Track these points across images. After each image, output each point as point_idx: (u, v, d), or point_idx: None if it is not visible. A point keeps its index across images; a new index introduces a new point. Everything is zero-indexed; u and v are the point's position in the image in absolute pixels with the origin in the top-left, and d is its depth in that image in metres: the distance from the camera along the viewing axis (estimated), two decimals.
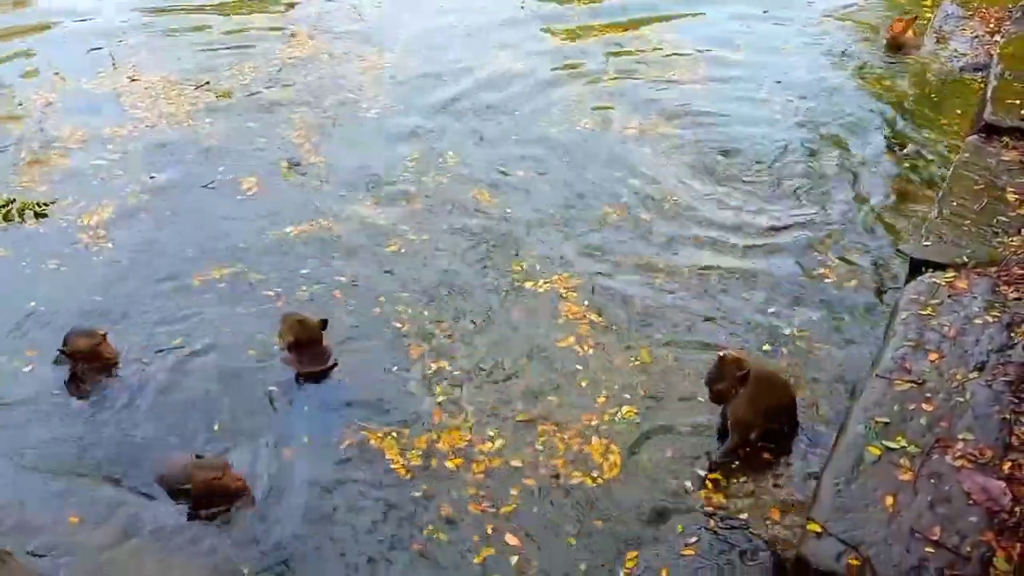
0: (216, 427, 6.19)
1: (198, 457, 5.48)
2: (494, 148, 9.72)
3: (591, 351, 6.81)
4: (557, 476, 5.78)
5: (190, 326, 7.10)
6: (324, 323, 6.64)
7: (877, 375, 5.74)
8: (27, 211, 8.26)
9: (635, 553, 5.19)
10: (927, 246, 6.95)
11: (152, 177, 9.17)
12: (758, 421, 5.84)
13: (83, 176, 9.17)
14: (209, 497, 5.41)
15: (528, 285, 7.54)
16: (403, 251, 7.97)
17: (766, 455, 5.88)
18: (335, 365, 6.66)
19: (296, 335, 6.53)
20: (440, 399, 6.37)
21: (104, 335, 6.61)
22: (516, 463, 5.87)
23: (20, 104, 10.62)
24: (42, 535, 5.37)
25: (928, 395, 5.49)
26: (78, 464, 5.93)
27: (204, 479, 5.35)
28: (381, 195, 8.82)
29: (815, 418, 6.13)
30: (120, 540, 5.35)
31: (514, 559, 5.24)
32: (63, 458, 5.97)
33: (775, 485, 5.68)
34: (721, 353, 5.87)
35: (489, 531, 5.41)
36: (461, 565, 5.24)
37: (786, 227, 8.29)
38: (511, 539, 5.36)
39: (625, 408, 6.28)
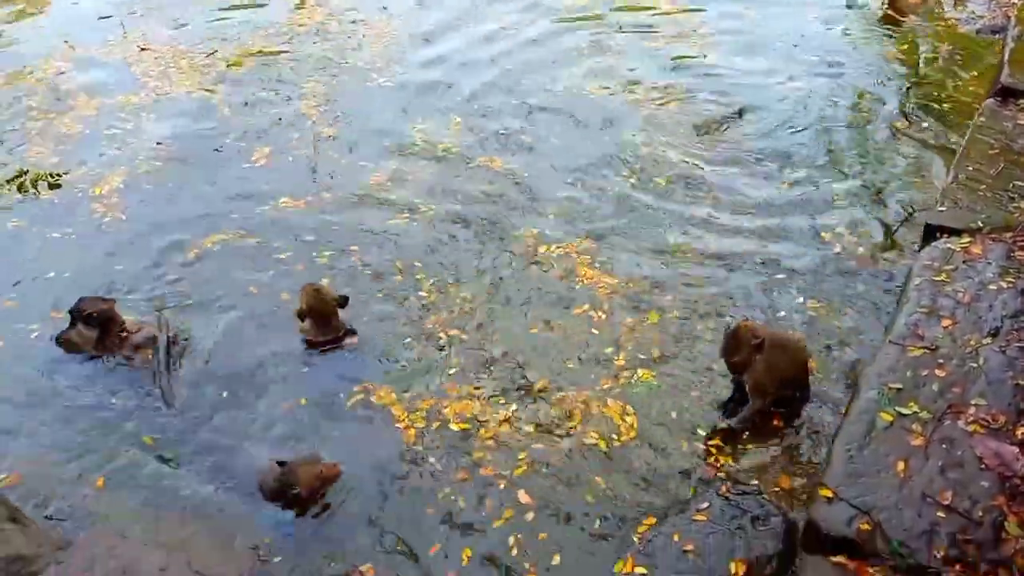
0: (225, 394, 6.27)
1: (280, 464, 5.36)
2: (503, 111, 9.67)
3: (605, 316, 6.82)
4: (571, 441, 5.83)
5: (202, 291, 7.16)
6: (344, 300, 6.64)
7: (890, 341, 5.73)
8: (41, 182, 8.37)
9: (650, 520, 5.21)
10: (942, 211, 6.90)
11: (159, 143, 9.18)
12: (775, 386, 5.86)
13: (95, 145, 9.18)
14: (317, 491, 5.38)
15: (541, 250, 7.54)
16: (414, 220, 7.96)
17: (777, 421, 5.90)
18: (344, 337, 6.67)
19: (308, 304, 6.55)
20: (452, 370, 6.40)
21: (113, 301, 6.65)
22: (528, 428, 5.91)
23: (31, 72, 10.61)
24: (63, 500, 5.43)
25: (941, 361, 5.48)
26: (98, 429, 5.99)
27: (311, 475, 5.29)
28: (392, 163, 8.79)
29: (827, 385, 6.13)
30: (141, 505, 5.40)
31: (529, 515, 5.34)
32: (85, 423, 6.04)
33: (786, 451, 5.71)
34: (733, 324, 5.89)
35: (501, 487, 5.51)
36: (477, 527, 5.32)
37: (796, 193, 8.25)
38: (523, 498, 5.44)
39: (641, 371, 6.31)
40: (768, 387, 5.82)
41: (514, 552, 5.18)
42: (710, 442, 5.78)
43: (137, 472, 5.64)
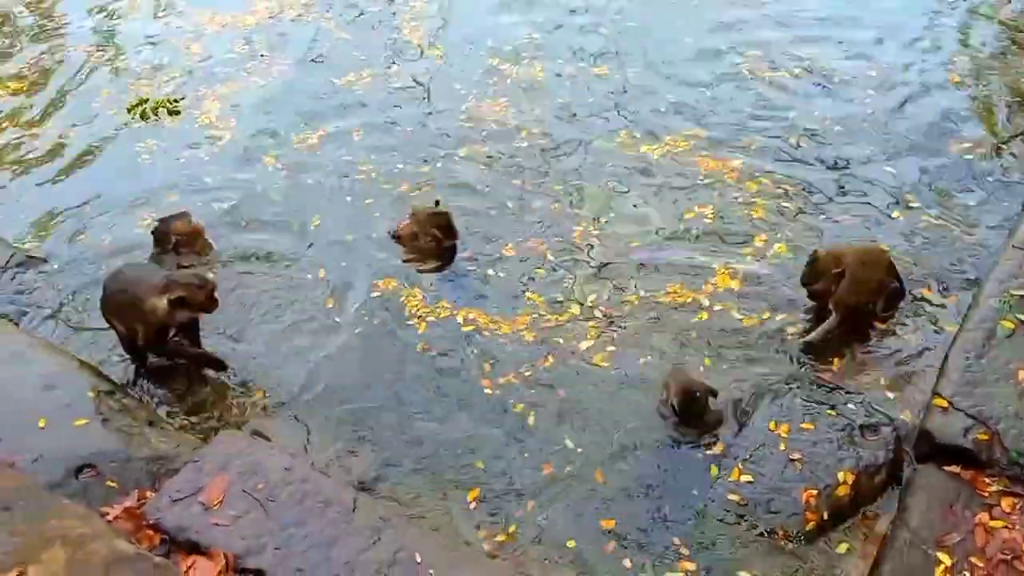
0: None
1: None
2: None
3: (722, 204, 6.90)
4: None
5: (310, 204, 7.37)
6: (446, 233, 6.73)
7: (1014, 246, 5.49)
8: (160, 109, 8.63)
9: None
10: None
11: (263, 55, 9.44)
12: (860, 300, 5.74)
13: (210, 69, 9.32)
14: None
15: (643, 149, 7.54)
16: (521, 143, 7.88)
17: (886, 326, 5.77)
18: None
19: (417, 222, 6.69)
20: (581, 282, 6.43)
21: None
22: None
23: None
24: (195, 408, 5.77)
25: None
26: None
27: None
28: (485, 89, 8.66)
29: (941, 292, 5.94)
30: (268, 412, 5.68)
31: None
32: None
33: (897, 359, 5.57)
34: (813, 253, 5.80)
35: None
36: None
37: (909, 83, 7.96)
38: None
39: (777, 246, 6.44)
40: (850, 303, 5.71)
41: None
42: (815, 350, 5.71)
43: (266, 382, 5.84)
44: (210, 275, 6.07)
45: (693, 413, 5.26)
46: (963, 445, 4.56)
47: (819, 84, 8.17)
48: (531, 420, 5.46)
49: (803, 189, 6.99)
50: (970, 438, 4.56)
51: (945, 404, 4.71)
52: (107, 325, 5.82)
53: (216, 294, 5.72)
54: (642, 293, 6.25)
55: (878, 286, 5.77)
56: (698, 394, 5.22)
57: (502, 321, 6.12)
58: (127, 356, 5.88)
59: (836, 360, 5.62)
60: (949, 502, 4.33)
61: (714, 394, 5.27)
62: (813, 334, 5.76)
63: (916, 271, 6.06)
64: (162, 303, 5.49)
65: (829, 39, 8.84)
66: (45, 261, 6.81)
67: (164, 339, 5.70)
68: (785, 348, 5.76)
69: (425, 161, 7.75)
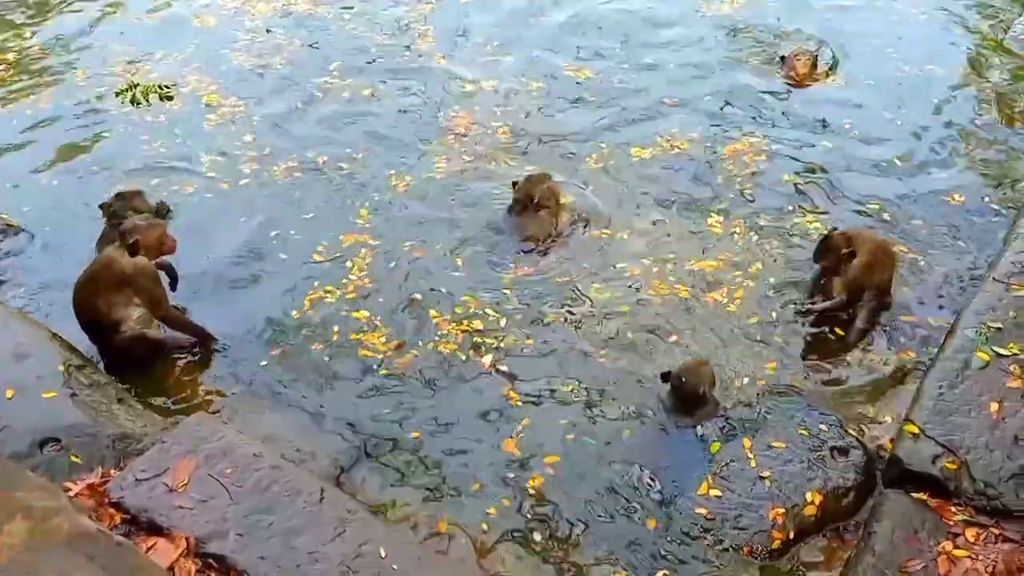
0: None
1: (664, 378, 5.42)
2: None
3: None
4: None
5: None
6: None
7: (994, 279, 5.54)
8: (151, 94, 8.49)
9: (717, 445, 5.18)
10: None
11: (269, 31, 9.47)
12: (866, 288, 5.89)
13: (214, 51, 9.23)
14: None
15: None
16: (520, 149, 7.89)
17: (866, 350, 5.78)
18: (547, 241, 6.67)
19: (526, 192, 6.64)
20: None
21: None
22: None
23: None
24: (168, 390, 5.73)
25: None
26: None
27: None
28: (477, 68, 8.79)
29: (922, 319, 5.96)
30: (242, 398, 5.62)
31: None
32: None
33: (872, 382, 5.58)
34: (828, 231, 6.04)
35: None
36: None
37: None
38: None
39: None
40: (860, 287, 5.87)
41: None
42: (795, 364, 5.73)
43: (239, 368, 5.82)
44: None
45: (683, 396, 5.34)
46: (931, 473, 4.59)
47: None
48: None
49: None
50: (939, 466, 4.59)
51: (916, 431, 4.74)
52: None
53: (168, 232, 5.78)
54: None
55: (885, 282, 5.94)
56: (693, 384, 5.28)
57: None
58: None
59: (811, 379, 5.64)
60: (914, 529, 4.35)
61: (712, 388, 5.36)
62: (816, 305, 5.98)
63: (900, 294, 6.10)
64: (127, 258, 5.50)
65: None
66: (24, 231, 6.74)
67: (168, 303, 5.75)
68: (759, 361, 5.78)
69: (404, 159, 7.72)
